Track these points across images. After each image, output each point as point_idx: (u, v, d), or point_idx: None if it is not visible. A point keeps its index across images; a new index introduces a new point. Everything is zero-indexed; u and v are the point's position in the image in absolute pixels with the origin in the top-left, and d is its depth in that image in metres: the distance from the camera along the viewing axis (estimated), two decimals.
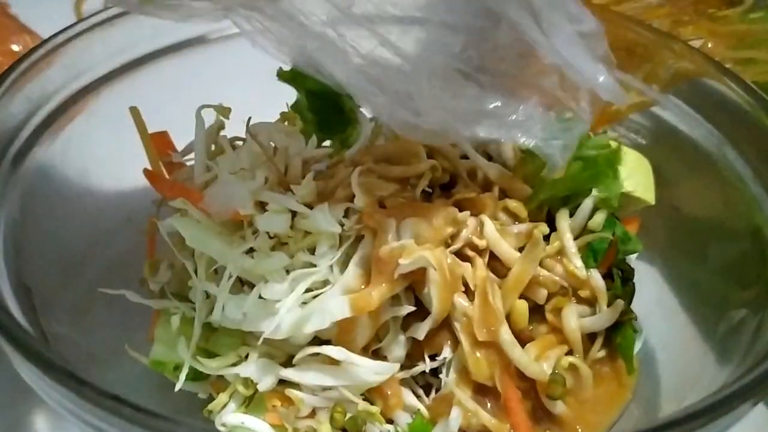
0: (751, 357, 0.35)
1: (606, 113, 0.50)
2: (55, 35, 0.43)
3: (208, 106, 0.43)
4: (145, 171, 0.44)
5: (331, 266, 0.37)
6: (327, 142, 0.50)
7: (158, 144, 0.45)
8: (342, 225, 0.38)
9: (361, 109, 0.51)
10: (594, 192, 0.41)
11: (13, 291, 0.34)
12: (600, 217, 0.41)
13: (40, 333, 0.33)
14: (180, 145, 0.46)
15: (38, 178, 0.41)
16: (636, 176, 0.44)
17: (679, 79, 0.45)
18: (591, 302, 0.41)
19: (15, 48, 0.66)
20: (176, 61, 0.48)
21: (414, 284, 0.38)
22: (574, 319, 0.40)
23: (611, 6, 0.51)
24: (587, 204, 0.41)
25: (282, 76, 0.51)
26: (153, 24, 0.47)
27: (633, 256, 0.45)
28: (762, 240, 0.39)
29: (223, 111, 0.44)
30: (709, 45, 0.47)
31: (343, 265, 0.38)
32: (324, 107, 0.52)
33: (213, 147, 0.44)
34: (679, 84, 0.45)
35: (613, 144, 0.43)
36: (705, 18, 0.47)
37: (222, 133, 0.44)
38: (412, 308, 0.38)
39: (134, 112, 0.44)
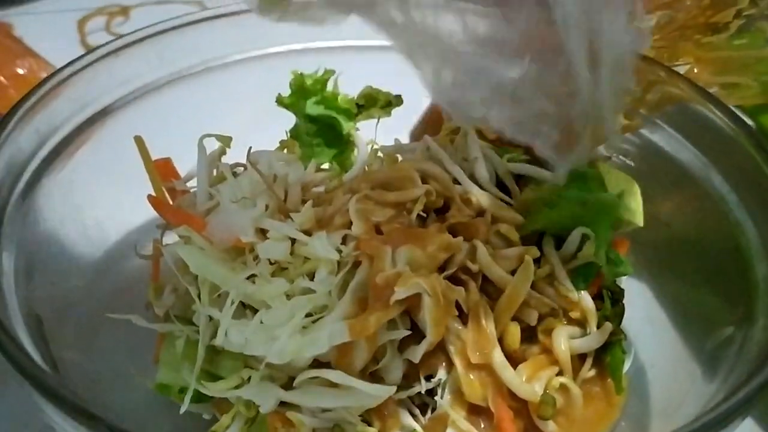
0: (735, 374, 0.36)
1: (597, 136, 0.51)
2: (62, 69, 0.44)
3: (210, 135, 0.44)
4: (149, 197, 0.45)
5: (330, 292, 0.38)
6: (326, 165, 0.52)
7: (162, 171, 0.47)
8: (340, 252, 0.39)
9: (357, 132, 0.52)
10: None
11: (25, 321, 0.35)
12: (589, 249, 0.41)
13: (50, 360, 0.34)
14: (182, 172, 0.47)
15: (46, 208, 0.42)
16: (625, 199, 0.45)
17: (666, 103, 0.46)
18: (582, 323, 0.42)
19: (20, 71, 0.67)
20: (178, 90, 0.49)
21: (410, 308, 0.38)
22: (564, 340, 0.41)
23: None
24: (575, 235, 0.42)
25: (280, 101, 0.52)
26: (156, 54, 0.48)
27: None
28: (745, 261, 0.40)
29: (224, 140, 0.45)
30: (695, 70, 0.48)
31: (342, 290, 0.38)
32: (322, 131, 0.53)
33: (215, 173, 0.45)
34: (665, 108, 0.46)
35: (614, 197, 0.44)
36: (691, 44, 0.48)
37: (223, 159, 0.45)
38: (408, 332, 0.38)
39: (138, 141, 0.45)
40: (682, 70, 0.48)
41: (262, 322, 0.38)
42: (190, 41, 0.49)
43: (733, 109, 0.44)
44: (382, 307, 0.37)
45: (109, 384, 0.38)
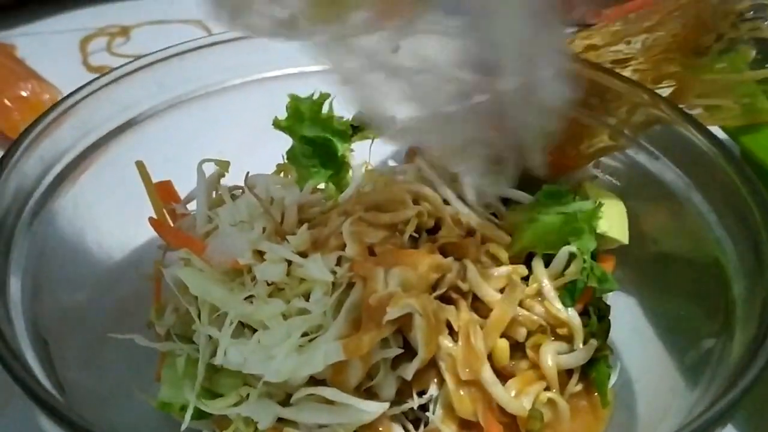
0: (715, 384, 0.36)
1: (585, 155, 0.53)
2: (66, 97, 0.46)
3: (209, 160, 0.46)
4: (151, 220, 0.47)
5: (325, 312, 0.39)
6: (321, 185, 0.53)
7: (162, 193, 0.48)
8: (334, 273, 0.40)
9: (352, 153, 0.54)
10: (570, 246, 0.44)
11: (32, 344, 0.36)
12: (576, 267, 0.43)
13: (56, 382, 0.35)
14: (182, 194, 0.48)
15: (52, 232, 0.43)
16: (611, 217, 0.46)
17: (650, 125, 0.47)
18: (569, 339, 0.43)
19: (23, 93, 0.68)
20: (178, 115, 0.50)
21: (402, 327, 0.40)
22: (551, 356, 0.42)
23: (588, 54, 0.54)
24: (563, 253, 0.43)
25: (277, 124, 0.53)
26: (156, 81, 0.49)
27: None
28: (724, 277, 0.41)
29: (223, 164, 0.47)
30: (679, 92, 0.48)
31: (336, 310, 0.40)
32: (317, 152, 0.55)
33: (213, 195, 0.46)
34: (649, 130, 0.47)
35: (592, 205, 0.45)
36: (674, 67, 0.49)
37: (222, 181, 0.47)
38: (401, 350, 0.40)
39: (140, 165, 0.47)
40: (665, 92, 0.49)
41: (259, 342, 0.39)
42: (189, 68, 0.50)
43: (713, 131, 0.45)
44: (376, 326, 0.38)
45: (113, 402, 0.39)
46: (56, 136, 0.44)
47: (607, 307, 0.45)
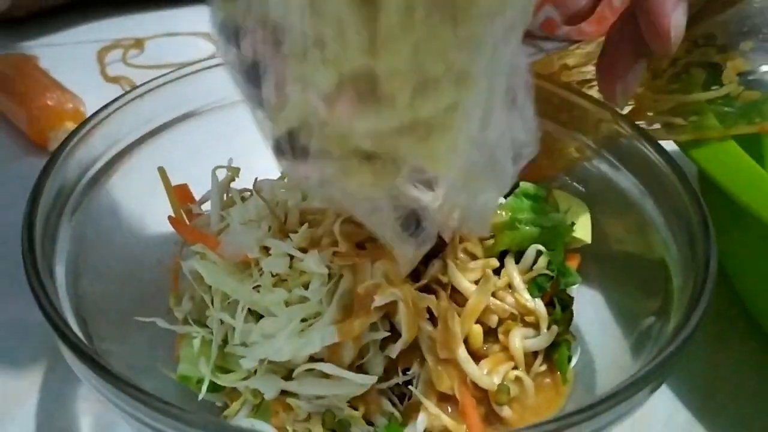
0: (651, 356, 0.41)
1: (556, 165, 0.58)
2: (98, 111, 0.51)
3: (222, 167, 0.51)
4: (170, 218, 0.52)
5: (321, 300, 0.44)
6: None
7: (180, 195, 0.54)
8: (329, 267, 0.45)
9: None
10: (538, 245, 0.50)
11: (76, 321, 0.41)
12: (543, 262, 0.49)
13: (94, 352, 0.39)
14: (198, 195, 0.54)
15: (87, 227, 0.48)
16: (576, 219, 0.53)
17: (611, 139, 0.52)
18: (535, 326, 0.49)
19: (49, 103, 0.73)
20: (194, 126, 0.56)
21: (388, 313, 0.45)
22: (518, 340, 0.48)
23: (561, 74, 0.60)
24: (531, 251, 0.49)
25: None
26: (175, 95, 0.54)
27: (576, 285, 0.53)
28: (667, 272, 0.46)
29: (234, 170, 0.52)
30: (634, 111, 0.54)
31: (330, 298, 0.44)
32: None
33: (225, 198, 0.52)
34: (611, 144, 0.52)
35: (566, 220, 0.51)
36: None
37: (232, 185, 0.52)
38: (387, 333, 0.45)
39: (161, 171, 0.52)
40: (625, 110, 0.54)
41: (264, 327, 0.44)
42: (203, 84, 0.55)
43: (668, 145, 0.50)
44: (365, 312, 0.43)
45: (140, 374, 0.42)
46: (90, 144, 0.49)
47: (571, 299, 0.51)
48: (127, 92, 0.53)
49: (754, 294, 0.55)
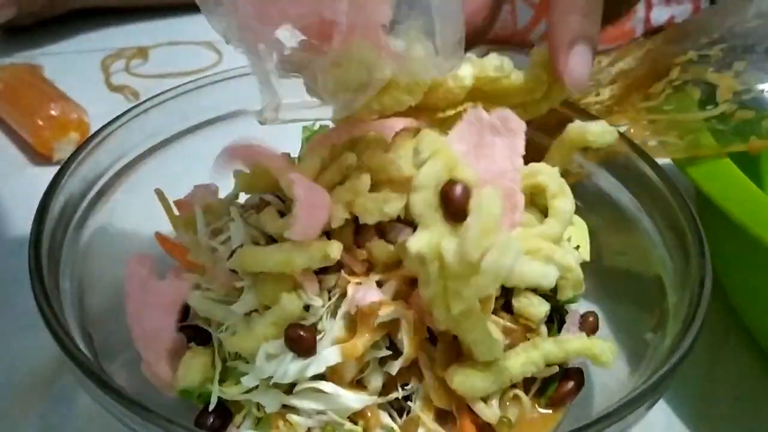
0: (649, 370, 0.41)
1: None
2: (102, 128, 0.51)
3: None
4: (156, 235, 0.52)
5: (321, 318, 0.44)
6: None
7: (181, 208, 0.53)
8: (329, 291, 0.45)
9: None
10: None
11: (82, 337, 0.41)
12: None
13: (100, 368, 0.39)
14: None
15: (92, 241, 0.48)
16: (577, 237, 0.52)
17: (609, 156, 0.52)
18: None
19: (53, 113, 0.73)
20: (199, 138, 0.56)
21: (390, 331, 0.44)
22: None
23: None
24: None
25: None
26: (178, 111, 0.55)
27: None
28: (663, 289, 0.46)
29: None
30: (632, 130, 0.54)
31: (333, 315, 0.44)
32: None
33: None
34: (609, 160, 0.52)
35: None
36: (629, 108, 0.55)
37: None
38: (389, 352, 0.44)
39: (159, 193, 0.52)
40: (622, 129, 0.54)
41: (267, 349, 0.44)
42: (205, 99, 0.55)
43: (665, 162, 0.50)
44: (369, 331, 0.43)
45: (143, 390, 0.44)
46: (95, 159, 0.50)
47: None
48: (132, 107, 0.52)
49: (750, 308, 0.55)
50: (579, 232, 0.53)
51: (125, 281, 0.46)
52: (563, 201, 0.46)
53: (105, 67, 0.88)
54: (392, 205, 0.42)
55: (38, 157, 0.73)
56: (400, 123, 0.46)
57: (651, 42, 0.59)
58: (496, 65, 0.47)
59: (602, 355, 0.44)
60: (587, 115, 0.54)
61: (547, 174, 0.47)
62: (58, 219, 0.46)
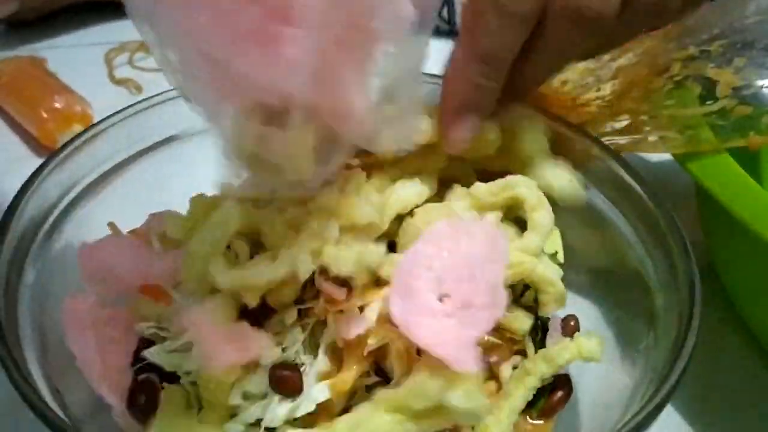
0: (646, 378, 0.37)
1: None
2: (82, 132, 0.44)
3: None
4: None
5: (298, 351, 0.37)
6: None
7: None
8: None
9: None
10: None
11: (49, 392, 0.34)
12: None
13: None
14: None
15: (62, 251, 0.41)
16: (550, 241, 0.46)
17: (591, 162, 0.47)
18: (523, 352, 0.43)
19: (57, 105, 0.68)
20: (170, 151, 0.49)
21: (377, 358, 0.38)
22: (508, 371, 0.41)
23: (560, 88, 0.55)
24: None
25: None
26: (162, 117, 0.48)
27: None
28: (649, 292, 0.42)
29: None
30: (632, 125, 0.50)
31: (312, 348, 0.37)
32: None
33: None
34: (591, 166, 0.47)
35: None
36: (630, 103, 0.51)
37: None
38: (378, 379, 0.38)
39: (112, 226, 0.43)
40: (623, 124, 0.51)
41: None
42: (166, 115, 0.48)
43: (659, 158, 0.47)
44: (356, 362, 0.36)
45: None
46: (71, 167, 0.44)
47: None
48: (113, 114, 0.46)
49: (749, 304, 0.49)
50: (552, 237, 0.47)
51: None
52: (542, 214, 0.41)
53: (108, 60, 0.81)
54: (372, 255, 0.36)
55: (42, 149, 0.66)
56: None
57: (651, 38, 0.55)
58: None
59: (593, 355, 0.39)
60: (561, 121, 0.49)
61: (525, 186, 0.41)
62: (13, 254, 0.38)
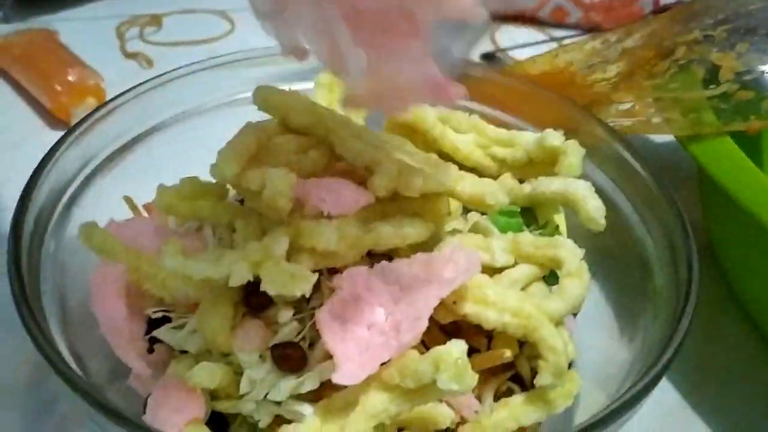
0: (642, 354, 0.38)
1: None
2: (98, 108, 0.45)
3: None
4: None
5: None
6: None
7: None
8: None
9: None
10: None
11: (65, 344, 0.35)
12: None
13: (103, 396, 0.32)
14: None
15: (79, 223, 0.40)
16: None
17: (595, 143, 0.47)
18: None
19: (70, 78, 0.68)
20: (192, 123, 0.50)
21: None
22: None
23: (567, 69, 0.55)
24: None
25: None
26: (174, 92, 0.49)
27: None
28: (649, 271, 0.43)
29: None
30: (637, 107, 0.50)
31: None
32: None
33: None
34: (594, 147, 0.47)
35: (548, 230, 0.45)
36: (635, 85, 0.51)
37: None
38: None
39: (127, 200, 0.45)
40: (627, 106, 0.51)
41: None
42: (207, 83, 0.50)
43: (665, 139, 0.48)
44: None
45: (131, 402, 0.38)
46: (88, 141, 0.44)
47: None
48: (126, 91, 0.46)
49: (747, 285, 0.50)
50: (554, 215, 0.47)
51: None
52: (576, 284, 0.38)
53: (120, 33, 0.81)
54: (301, 284, 0.33)
55: (56, 121, 0.67)
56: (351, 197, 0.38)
57: (657, 21, 0.56)
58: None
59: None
60: (563, 99, 0.49)
61: (569, 251, 0.39)
62: (33, 230, 0.39)
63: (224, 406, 0.37)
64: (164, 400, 0.35)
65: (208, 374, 0.34)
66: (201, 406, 0.35)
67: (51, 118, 0.67)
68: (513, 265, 0.40)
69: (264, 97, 0.39)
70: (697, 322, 0.36)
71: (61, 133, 0.45)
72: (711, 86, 0.48)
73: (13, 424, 0.43)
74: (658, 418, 0.46)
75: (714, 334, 0.51)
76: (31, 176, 0.39)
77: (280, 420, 0.36)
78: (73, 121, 0.65)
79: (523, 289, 0.39)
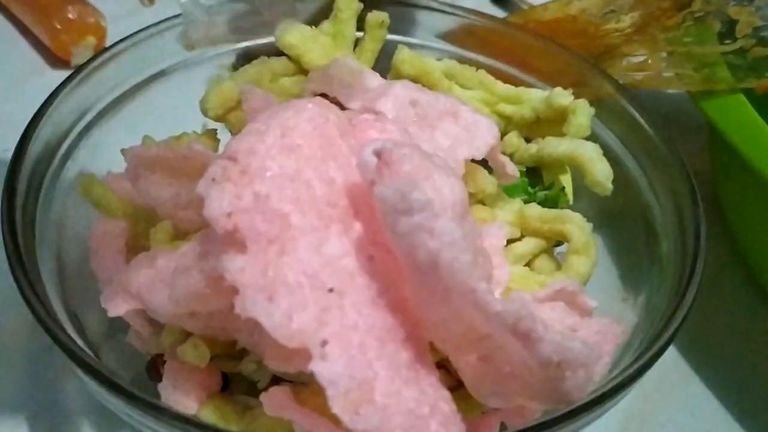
0: (652, 310, 0.37)
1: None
2: (95, 56, 0.43)
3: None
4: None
5: None
6: None
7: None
8: None
9: None
10: None
11: (68, 317, 0.34)
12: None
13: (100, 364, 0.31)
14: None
15: (75, 176, 0.41)
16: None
17: (594, 96, 0.46)
18: None
19: (71, 16, 0.66)
20: (190, 74, 0.47)
21: None
22: None
23: (580, 16, 0.53)
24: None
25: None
26: (174, 41, 0.46)
27: None
28: (655, 236, 0.41)
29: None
30: (649, 61, 0.49)
31: None
32: None
33: None
34: (603, 104, 0.46)
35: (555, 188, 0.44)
36: (648, 38, 0.49)
37: None
38: None
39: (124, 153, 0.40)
40: (639, 59, 0.50)
41: None
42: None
43: (675, 94, 0.46)
44: None
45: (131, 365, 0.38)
46: (84, 91, 0.43)
47: None
48: (125, 38, 0.45)
49: (751, 242, 0.49)
50: (561, 176, 0.47)
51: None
52: (583, 261, 0.38)
53: None
54: None
55: (56, 60, 0.65)
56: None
57: None
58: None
59: None
60: (573, 54, 0.48)
61: (577, 226, 0.38)
62: (30, 180, 0.38)
63: (226, 367, 0.37)
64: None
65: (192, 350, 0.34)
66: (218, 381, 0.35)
67: (51, 56, 0.66)
68: (519, 238, 0.38)
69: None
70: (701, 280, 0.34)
71: (63, 72, 0.43)
72: (726, 41, 0.47)
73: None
74: (657, 375, 0.44)
75: (716, 291, 0.51)
76: (27, 127, 0.38)
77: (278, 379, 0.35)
78: (74, 61, 0.66)
79: (528, 264, 0.38)
